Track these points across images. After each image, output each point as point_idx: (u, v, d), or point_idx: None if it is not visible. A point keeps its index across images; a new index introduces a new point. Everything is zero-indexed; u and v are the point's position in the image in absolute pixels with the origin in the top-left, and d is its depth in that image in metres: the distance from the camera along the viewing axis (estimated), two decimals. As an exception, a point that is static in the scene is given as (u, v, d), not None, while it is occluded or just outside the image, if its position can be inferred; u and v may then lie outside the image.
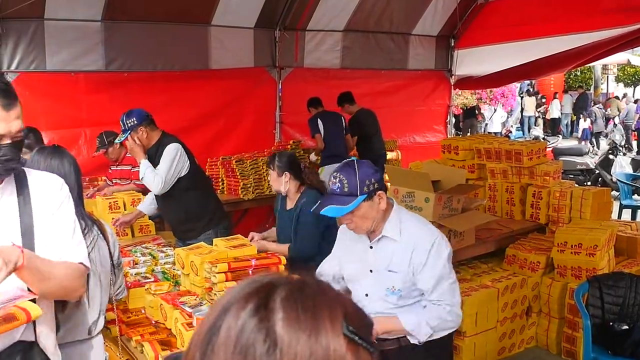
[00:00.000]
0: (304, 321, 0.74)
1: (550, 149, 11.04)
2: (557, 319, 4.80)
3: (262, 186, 6.78)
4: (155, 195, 4.50)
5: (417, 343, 2.54)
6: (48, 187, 1.98)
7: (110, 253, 2.51)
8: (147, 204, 4.63)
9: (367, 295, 2.63)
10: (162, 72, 6.74)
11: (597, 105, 19.91)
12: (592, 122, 18.66)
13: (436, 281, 2.50)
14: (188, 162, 4.39)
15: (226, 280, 2.91)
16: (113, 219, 4.52)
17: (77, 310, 2.36)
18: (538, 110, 21.26)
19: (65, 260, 1.91)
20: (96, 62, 6.33)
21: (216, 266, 2.92)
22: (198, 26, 6.91)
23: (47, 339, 1.91)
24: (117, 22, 6.35)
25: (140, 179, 4.39)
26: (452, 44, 9.05)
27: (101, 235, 2.46)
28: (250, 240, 3.81)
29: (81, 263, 1.95)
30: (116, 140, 4.51)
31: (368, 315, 0.83)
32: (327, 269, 2.84)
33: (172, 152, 4.25)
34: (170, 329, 2.86)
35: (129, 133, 4.26)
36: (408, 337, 2.57)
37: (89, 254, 2.32)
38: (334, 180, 2.45)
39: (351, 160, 2.53)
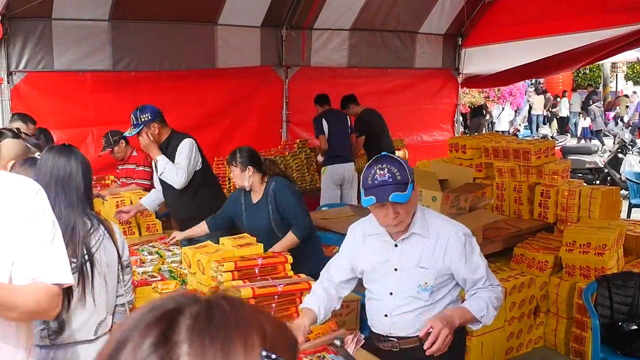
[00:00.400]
0: (212, 355, 0.65)
1: (559, 147, 10.98)
2: (566, 318, 4.77)
3: (269, 185, 6.78)
4: (165, 192, 4.51)
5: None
6: (19, 195, 1.74)
7: (118, 254, 2.48)
8: (151, 200, 4.64)
9: (391, 294, 2.60)
10: (169, 71, 6.76)
11: (595, 104, 19.81)
12: (592, 121, 18.61)
13: (484, 268, 2.54)
14: (201, 157, 4.45)
15: (233, 279, 2.92)
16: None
17: (82, 311, 2.35)
18: (552, 110, 21.16)
19: (38, 279, 1.72)
20: (103, 62, 6.36)
21: (223, 265, 2.92)
22: (205, 25, 6.92)
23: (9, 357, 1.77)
24: (124, 21, 6.38)
25: (159, 175, 4.38)
26: (460, 43, 9.03)
27: (108, 235, 2.44)
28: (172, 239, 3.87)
29: (56, 284, 1.77)
30: (125, 134, 4.49)
31: (291, 331, 0.75)
32: (337, 272, 2.79)
33: (188, 146, 4.31)
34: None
35: (142, 128, 4.27)
36: (471, 325, 2.60)
37: (92, 254, 2.32)
38: (382, 173, 2.39)
39: (386, 154, 2.50)
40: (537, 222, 5.50)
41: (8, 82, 5.86)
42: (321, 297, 2.69)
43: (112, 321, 2.51)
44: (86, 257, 2.32)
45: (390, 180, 2.37)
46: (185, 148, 4.31)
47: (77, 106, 6.27)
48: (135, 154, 5.62)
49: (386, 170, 2.39)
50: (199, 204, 4.45)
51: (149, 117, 4.28)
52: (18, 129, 4.09)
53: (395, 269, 2.57)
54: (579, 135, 19.34)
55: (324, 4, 7.50)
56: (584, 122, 19.12)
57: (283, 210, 3.85)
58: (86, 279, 2.32)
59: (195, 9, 6.70)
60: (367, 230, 2.65)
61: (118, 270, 2.48)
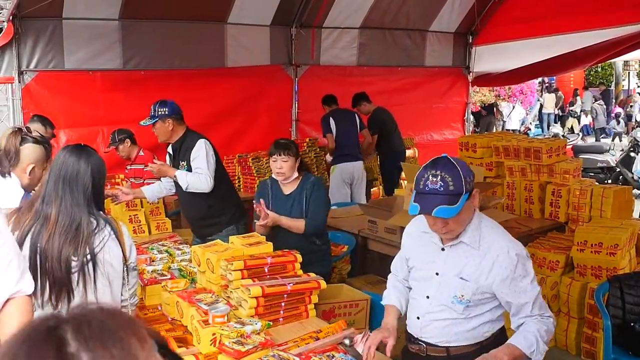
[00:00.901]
0: (112, 356, 0.65)
1: (570, 146, 10.91)
2: (577, 319, 4.73)
3: (279, 184, 6.78)
4: (177, 191, 4.52)
5: None
6: None
7: (124, 255, 2.46)
8: (152, 190, 4.64)
9: (428, 297, 2.50)
10: (178, 70, 6.78)
11: (598, 102, 19.71)
12: (593, 119, 18.49)
13: (532, 295, 2.37)
14: (214, 157, 4.45)
15: (242, 278, 2.91)
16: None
17: None
18: (570, 108, 21.03)
19: (19, 294, 1.75)
20: (113, 61, 6.38)
21: (232, 264, 2.92)
22: (214, 24, 6.93)
23: None
24: (134, 20, 6.39)
25: (185, 189, 4.32)
26: (470, 41, 8.99)
27: (114, 236, 2.42)
28: (261, 216, 3.76)
29: (8, 299, 1.78)
30: (141, 123, 4.46)
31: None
32: (399, 268, 2.76)
33: (203, 147, 4.32)
34: (186, 326, 2.86)
35: (157, 120, 4.33)
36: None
37: (95, 254, 2.30)
38: (434, 180, 2.24)
39: (445, 157, 2.32)
40: (548, 222, 5.46)
41: (19, 82, 5.90)
42: (398, 288, 2.72)
43: None
44: (89, 256, 2.31)
45: (442, 190, 2.22)
46: (201, 150, 4.31)
47: (88, 105, 6.30)
48: (142, 153, 5.64)
49: (439, 177, 2.23)
50: (210, 203, 4.44)
51: (166, 112, 4.32)
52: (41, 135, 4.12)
53: (437, 273, 2.46)
54: (578, 132, 19.22)
55: (334, 2, 7.50)
56: (585, 119, 18.99)
57: (310, 203, 3.89)
58: (87, 279, 2.32)
59: (205, 8, 6.71)
60: (422, 227, 2.52)
61: (123, 272, 2.47)
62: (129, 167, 5.78)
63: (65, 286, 2.32)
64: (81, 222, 2.34)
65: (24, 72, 5.92)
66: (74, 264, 2.30)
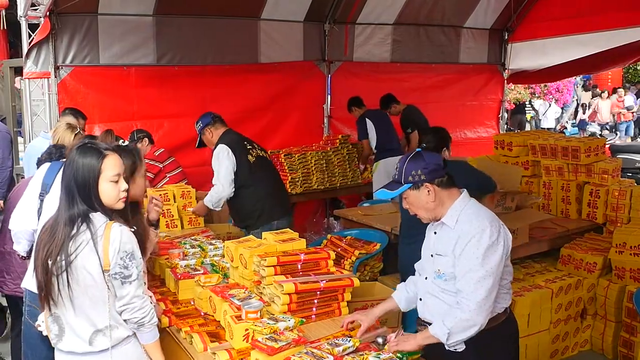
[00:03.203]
0: None
1: (607, 146, 10.67)
2: (614, 322, 4.63)
3: (310, 180, 6.77)
4: None
5: (446, 347, 2.52)
6: None
7: (100, 262, 2.29)
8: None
9: (426, 278, 2.71)
10: (211, 66, 6.79)
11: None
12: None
13: (464, 272, 2.48)
14: (235, 159, 4.52)
15: (275, 274, 2.90)
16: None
17: (69, 316, 2.37)
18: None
19: None
20: (147, 56, 6.42)
21: (265, 260, 2.90)
22: (248, 20, 6.92)
23: None
24: (168, 16, 6.42)
25: (215, 208, 4.65)
26: (506, 37, 8.84)
27: (92, 242, 2.29)
28: None
29: None
30: (197, 146, 4.87)
31: None
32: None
33: (215, 156, 4.58)
34: (219, 321, 2.86)
35: (200, 137, 4.75)
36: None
37: (70, 261, 2.26)
38: (395, 168, 2.66)
39: (414, 151, 2.65)
40: (585, 222, 5.35)
41: (55, 76, 5.96)
42: (407, 285, 2.91)
43: (126, 335, 2.42)
44: (64, 263, 2.27)
45: (394, 177, 2.64)
46: (214, 158, 4.59)
47: (121, 100, 6.34)
48: (157, 153, 5.74)
49: (396, 166, 2.64)
50: (237, 206, 4.66)
51: (201, 125, 4.70)
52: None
53: (431, 255, 2.68)
54: (576, 124, 18.83)
55: (368, -2, 7.43)
56: (585, 114, 18.65)
57: None
58: (62, 285, 2.28)
59: (239, 4, 6.71)
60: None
61: (106, 281, 2.31)
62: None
63: (44, 289, 2.31)
64: (58, 226, 2.31)
65: (60, 67, 5.98)
66: (51, 267, 2.28)
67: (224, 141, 4.59)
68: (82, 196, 2.33)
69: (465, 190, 2.68)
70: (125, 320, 2.39)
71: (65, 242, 2.28)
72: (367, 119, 6.89)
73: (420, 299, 2.74)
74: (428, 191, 2.56)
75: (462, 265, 2.49)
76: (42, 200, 3.06)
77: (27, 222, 3.12)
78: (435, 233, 2.69)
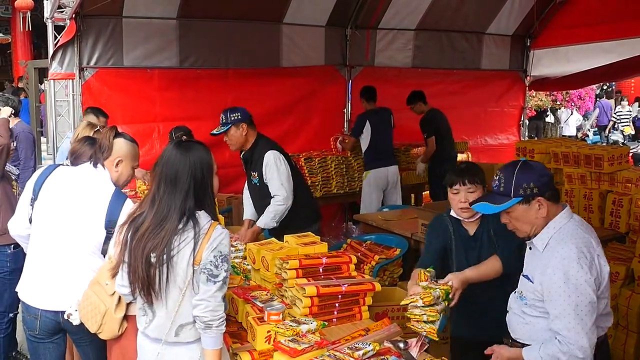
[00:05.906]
0: None
1: (631, 154, 10.55)
2: (636, 333, 4.57)
3: (330, 184, 6.77)
4: (254, 202, 4.50)
5: None
6: None
7: (194, 258, 2.32)
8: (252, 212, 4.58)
9: (514, 292, 2.62)
10: (233, 69, 6.83)
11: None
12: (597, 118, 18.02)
13: (560, 311, 2.29)
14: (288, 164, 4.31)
15: (297, 277, 2.90)
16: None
17: (160, 308, 2.37)
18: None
19: None
20: (170, 59, 6.47)
21: (287, 262, 2.91)
22: (270, 24, 6.97)
23: None
24: (191, 19, 6.48)
25: (277, 223, 4.27)
26: (528, 44, 8.79)
27: (193, 240, 2.31)
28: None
29: None
30: (213, 132, 4.32)
31: None
32: None
33: (274, 164, 4.19)
34: (240, 323, 2.87)
35: (230, 127, 4.21)
36: None
37: (172, 255, 2.28)
38: (495, 178, 2.45)
39: (519, 160, 2.44)
40: (608, 232, 5.28)
41: (80, 78, 6.03)
42: None
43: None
44: (165, 256, 2.27)
45: (495, 189, 2.43)
46: (270, 167, 4.19)
47: (145, 102, 6.41)
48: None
49: (497, 178, 2.43)
50: (291, 214, 4.31)
51: (239, 117, 4.20)
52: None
53: (522, 274, 2.56)
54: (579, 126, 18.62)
55: (390, 3, 7.43)
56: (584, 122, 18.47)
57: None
58: (162, 278, 2.29)
59: (261, 8, 6.75)
60: None
61: (192, 276, 2.30)
62: None
63: (145, 281, 2.29)
64: (166, 221, 2.29)
65: (85, 68, 6.05)
66: (153, 260, 2.28)
67: (271, 147, 4.28)
68: (197, 191, 2.33)
69: (567, 206, 2.49)
70: (195, 318, 2.32)
71: (172, 236, 2.28)
72: (367, 121, 6.81)
73: (507, 311, 2.62)
74: (539, 205, 2.37)
75: (552, 304, 2.32)
76: (32, 206, 2.97)
77: (19, 227, 3.06)
78: (530, 249, 2.52)
